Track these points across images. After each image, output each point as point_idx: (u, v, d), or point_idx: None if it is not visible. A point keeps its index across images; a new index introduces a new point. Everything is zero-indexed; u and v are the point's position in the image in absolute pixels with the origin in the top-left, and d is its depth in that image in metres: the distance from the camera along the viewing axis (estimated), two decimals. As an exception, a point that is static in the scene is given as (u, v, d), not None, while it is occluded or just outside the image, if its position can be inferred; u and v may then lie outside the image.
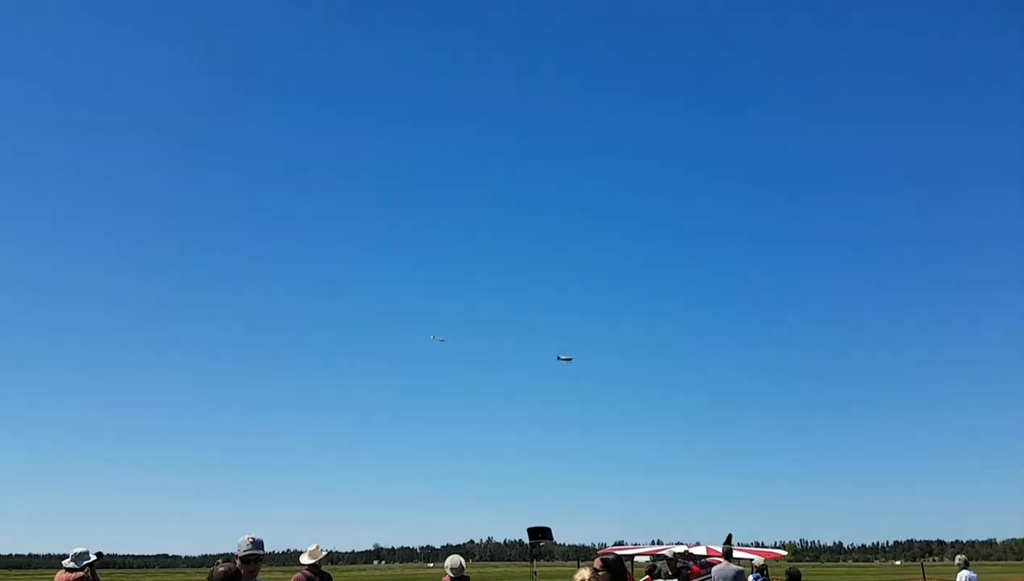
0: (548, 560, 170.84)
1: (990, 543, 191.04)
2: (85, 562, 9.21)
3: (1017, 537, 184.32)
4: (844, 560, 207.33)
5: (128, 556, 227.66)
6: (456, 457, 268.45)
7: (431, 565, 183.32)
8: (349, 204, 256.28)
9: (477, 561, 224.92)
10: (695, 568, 16.57)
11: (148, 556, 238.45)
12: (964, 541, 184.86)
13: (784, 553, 26.53)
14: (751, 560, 16.44)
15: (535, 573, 25.12)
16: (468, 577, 9.04)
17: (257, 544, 5.95)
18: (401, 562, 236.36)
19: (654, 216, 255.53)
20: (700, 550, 19.61)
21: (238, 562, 5.93)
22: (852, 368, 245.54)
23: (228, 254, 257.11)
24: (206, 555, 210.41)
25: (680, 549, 18.34)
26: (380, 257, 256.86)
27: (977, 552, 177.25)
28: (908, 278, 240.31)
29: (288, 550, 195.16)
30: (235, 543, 5.96)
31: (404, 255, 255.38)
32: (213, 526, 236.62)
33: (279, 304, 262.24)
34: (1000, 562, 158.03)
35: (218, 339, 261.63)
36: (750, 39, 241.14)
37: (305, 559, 9.25)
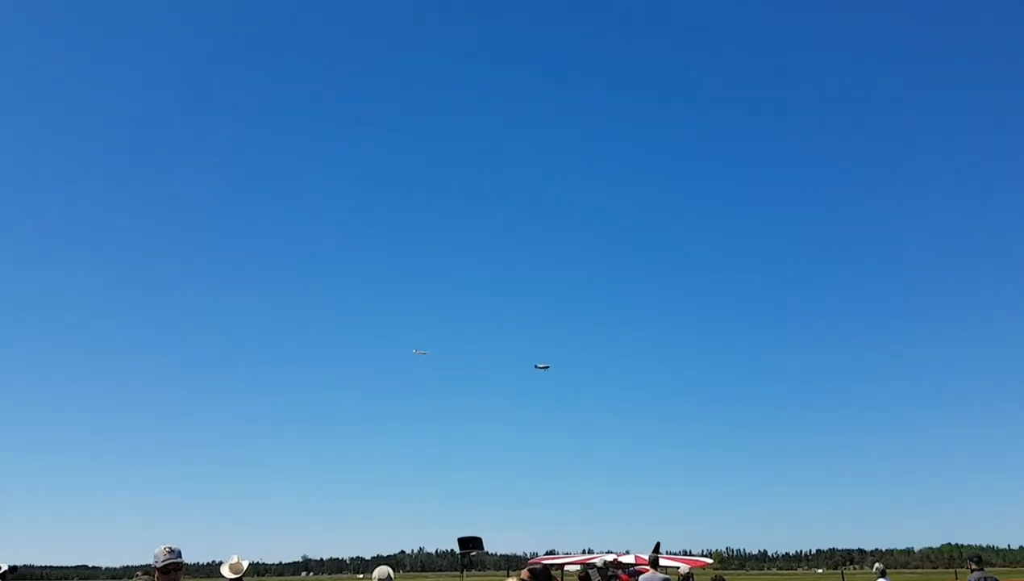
0: (479, 570, 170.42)
1: (908, 552, 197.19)
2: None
3: (934, 546, 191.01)
4: (768, 568, 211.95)
5: (46, 567, 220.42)
6: (387, 465, 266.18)
7: (360, 577, 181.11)
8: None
9: (408, 572, 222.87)
10: (623, 577, 16.76)
11: (67, 567, 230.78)
12: (883, 550, 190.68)
13: (710, 561, 27.04)
14: (677, 568, 16.71)
15: (465, 583, 24.99)
16: (396, 588, 8.94)
17: (175, 553, 5.82)
18: (330, 573, 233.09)
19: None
20: (629, 558, 19.87)
21: (157, 574, 5.79)
22: (775, 378, 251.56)
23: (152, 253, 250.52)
24: (127, 566, 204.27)
25: (610, 557, 18.55)
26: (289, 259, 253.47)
27: (895, 560, 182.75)
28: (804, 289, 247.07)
29: (213, 562, 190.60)
30: (152, 553, 5.82)
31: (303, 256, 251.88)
32: (134, 536, 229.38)
33: (207, 310, 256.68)
34: (917, 570, 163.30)
35: (136, 344, 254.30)
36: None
37: (226, 572, 8.96)
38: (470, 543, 22.01)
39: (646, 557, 17.12)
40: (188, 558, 6.14)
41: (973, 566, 13.73)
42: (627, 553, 20.85)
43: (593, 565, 16.64)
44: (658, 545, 19.74)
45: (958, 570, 51.91)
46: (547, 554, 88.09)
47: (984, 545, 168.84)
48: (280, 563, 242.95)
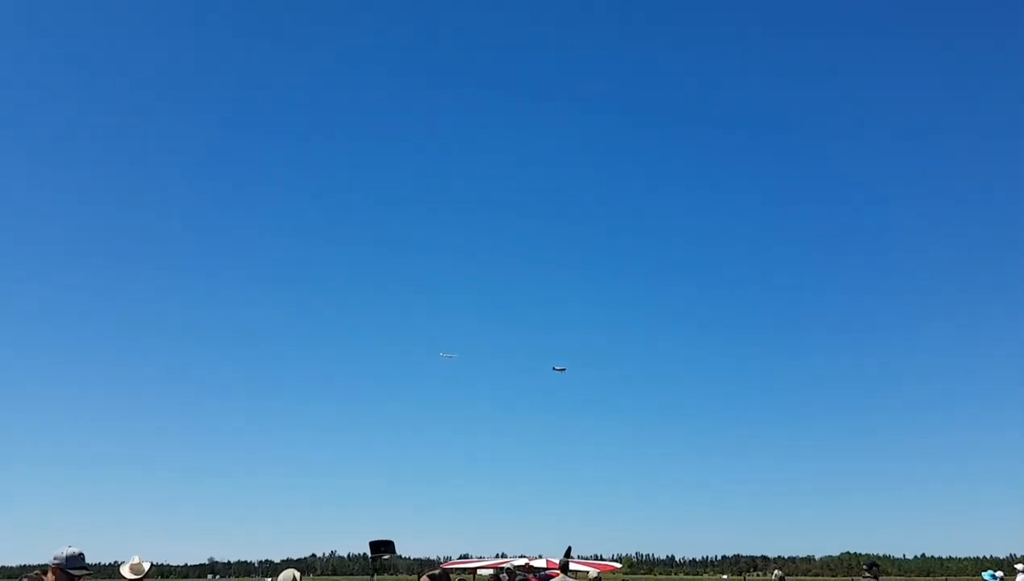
0: (392, 574, 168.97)
1: (809, 559, 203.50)
2: None
3: (833, 554, 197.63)
4: (676, 572, 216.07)
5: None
6: (299, 467, 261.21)
7: (268, 580, 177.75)
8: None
9: (319, 576, 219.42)
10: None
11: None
12: (786, 557, 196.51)
13: (619, 566, 27.48)
14: (587, 573, 16.97)
15: (375, 587, 24.84)
16: (302, 591, 8.83)
17: (77, 558, 5.58)
18: (237, 576, 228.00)
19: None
20: (540, 563, 20.11)
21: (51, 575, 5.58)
22: (684, 386, 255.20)
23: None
24: (24, 565, 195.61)
25: (521, 562, 18.72)
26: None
27: (797, 568, 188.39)
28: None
29: (115, 562, 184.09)
30: (52, 553, 5.60)
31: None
32: (31, 534, 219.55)
33: (112, 312, 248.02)
34: (817, 578, 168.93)
35: (27, 342, 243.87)
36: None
37: (126, 572, 8.68)
38: (382, 546, 21.85)
39: (557, 562, 17.33)
40: (88, 558, 5.94)
41: (867, 573, 13.29)
42: (539, 557, 21.10)
43: (504, 569, 16.76)
44: (569, 550, 19.99)
45: (855, 578, 53.88)
46: (461, 558, 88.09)
47: (881, 554, 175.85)
48: (186, 565, 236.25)
